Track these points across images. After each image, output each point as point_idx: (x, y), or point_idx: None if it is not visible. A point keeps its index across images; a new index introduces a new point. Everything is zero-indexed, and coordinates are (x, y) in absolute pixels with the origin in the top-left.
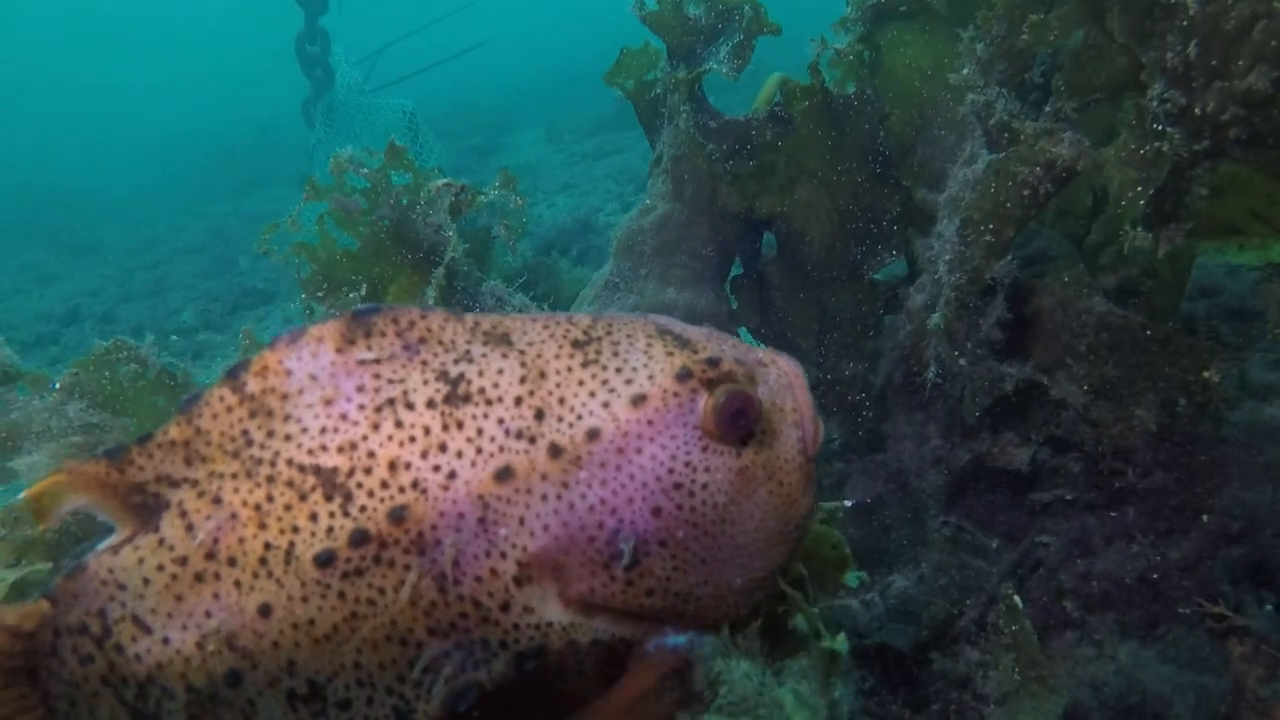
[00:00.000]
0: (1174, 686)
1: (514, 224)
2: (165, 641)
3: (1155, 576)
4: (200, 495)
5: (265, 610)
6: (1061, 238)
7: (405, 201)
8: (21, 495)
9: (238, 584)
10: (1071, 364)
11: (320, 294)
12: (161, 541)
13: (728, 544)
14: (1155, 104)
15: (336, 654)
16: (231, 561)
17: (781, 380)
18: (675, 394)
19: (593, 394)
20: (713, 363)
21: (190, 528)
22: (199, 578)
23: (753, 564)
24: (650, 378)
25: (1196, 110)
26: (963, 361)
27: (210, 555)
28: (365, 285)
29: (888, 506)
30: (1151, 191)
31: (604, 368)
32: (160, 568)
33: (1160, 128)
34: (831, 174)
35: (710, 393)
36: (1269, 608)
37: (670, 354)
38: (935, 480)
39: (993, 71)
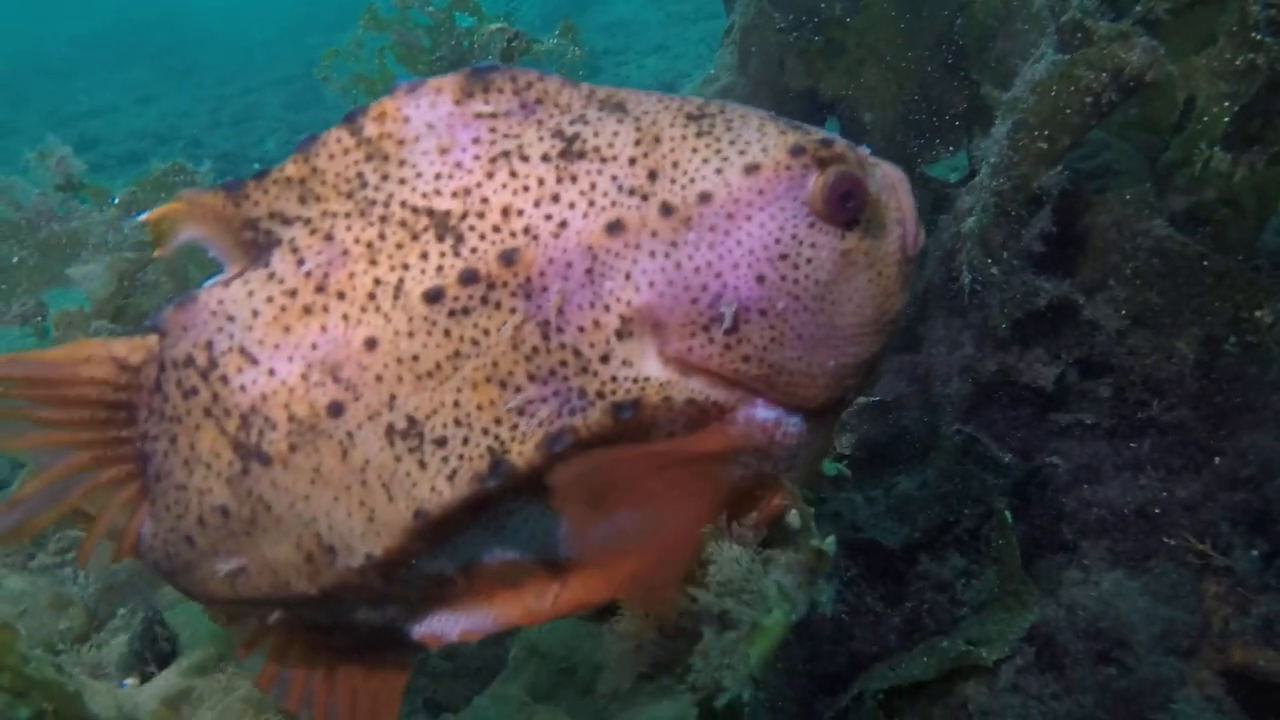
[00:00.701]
0: (1145, 616)
1: (570, 75)
2: (271, 373)
3: (1156, 511)
4: (313, 233)
5: (371, 343)
6: (1134, 151)
7: (465, 44)
8: (142, 218)
9: (345, 317)
10: (1114, 286)
11: None
12: (272, 275)
13: (824, 323)
14: (1259, 7)
15: (437, 391)
16: (340, 295)
17: (888, 179)
18: (788, 166)
19: (705, 160)
20: (826, 143)
21: (301, 262)
22: (307, 310)
23: (845, 348)
24: (764, 150)
25: None
26: (995, 270)
27: (320, 289)
28: None
29: (908, 408)
30: (1238, 108)
31: (718, 139)
32: (270, 300)
33: (1260, 36)
34: (901, 59)
35: (821, 171)
36: (1255, 553)
37: (783, 132)
38: (960, 388)
39: None
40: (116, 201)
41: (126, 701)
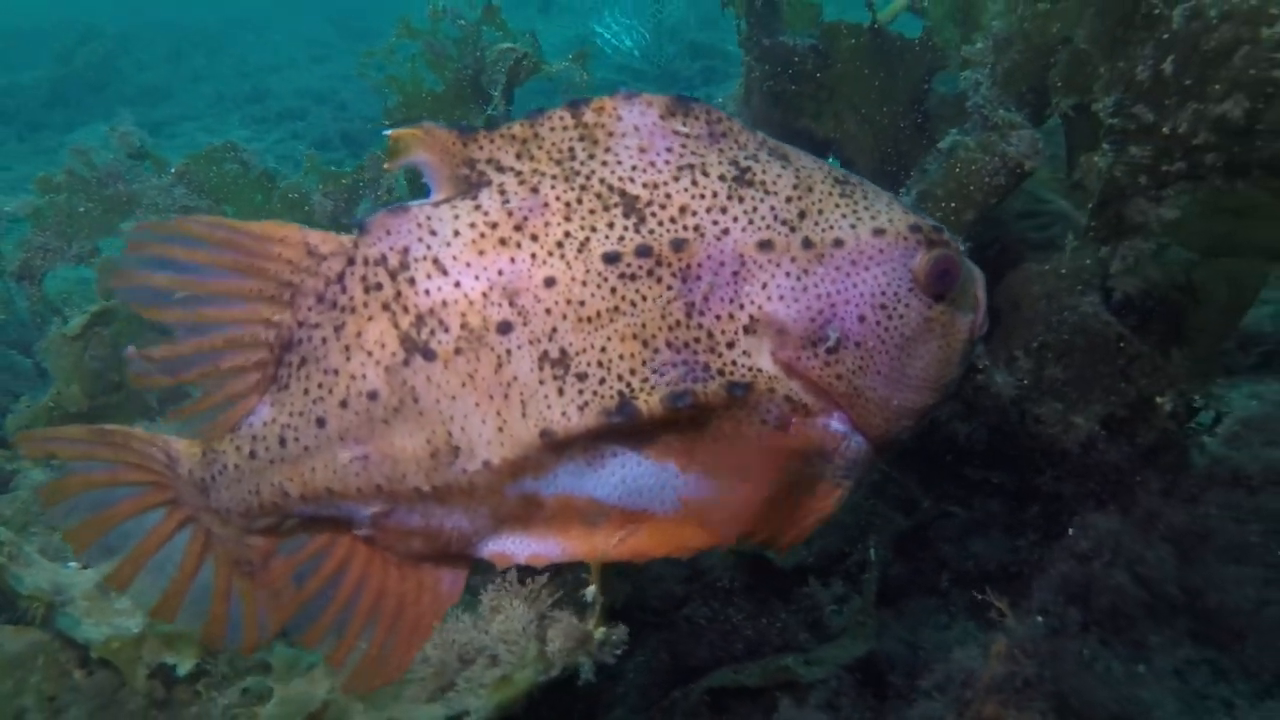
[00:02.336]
0: (941, 659)
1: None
2: (457, 285)
3: (1013, 571)
4: (521, 183)
5: (550, 282)
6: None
7: (489, 58)
8: (387, 133)
9: (533, 256)
10: (1019, 358)
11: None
12: (478, 207)
13: (899, 368)
14: (1106, 116)
15: (592, 335)
16: (534, 238)
17: (974, 274)
18: (905, 237)
19: (844, 215)
20: (937, 229)
21: (506, 203)
22: (503, 242)
23: (908, 394)
24: (890, 220)
25: (1165, 129)
26: None
27: (518, 228)
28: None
29: None
30: (1090, 205)
31: (856, 201)
32: (472, 225)
33: (1104, 143)
34: (876, 114)
35: (929, 250)
36: (1040, 619)
37: (907, 212)
38: None
39: (1008, 52)
40: (173, 171)
41: (65, 579)
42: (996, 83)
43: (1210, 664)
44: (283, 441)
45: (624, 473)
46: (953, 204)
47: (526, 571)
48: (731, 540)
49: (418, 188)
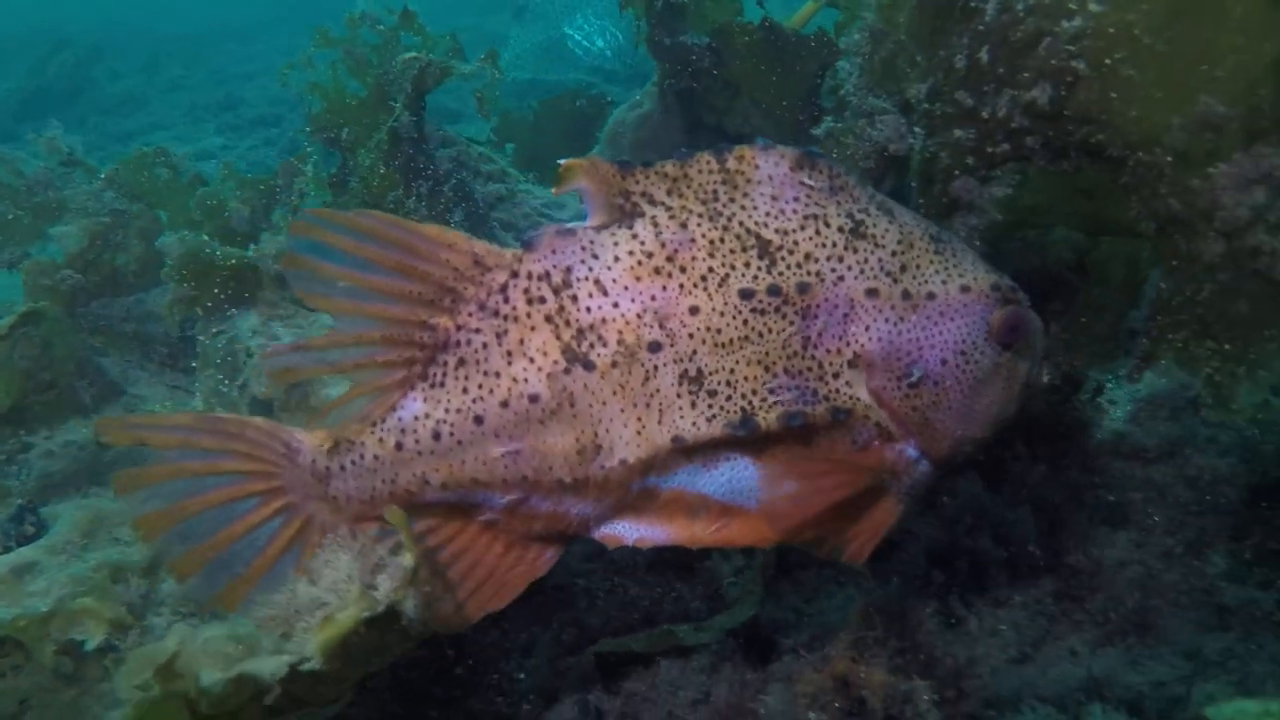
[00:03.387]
0: (819, 622)
1: (488, 95)
2: (615, 305)
3: (896, 540)
4: (672, 218)
5: (694, 310)
6: None
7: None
8: (560, 162)
9: (681, 286)
10: None
11: (330, 134)
12: (635, 236)
13: (966, 405)
14: (914, 101)
15: (724, 359)
16: (682, 270)
17: (1038, 327)
18: (986, 295)
19: (937, 272)
20: (1013, 289)
21: (659, 235)
22: (656, 270)
23: (971, 427)
24: (975, 279)
25: (985, 114)
26: None
27: (670, 259)
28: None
29: None
30: (914, 183)
31: (947, 260)
32: (631, 253)
33: (916, 127)
34: (776, 108)
35: (1004, 306)
36: (895, 580)
37: (989, 272)
38: None
39: (884, 42)
40: (104, 177)
41: None
42: (870, 72)
43: (1068, 617)
44: (436, 436)
45: (731, 475)
46: None
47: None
48: (807, 538)
49: (332, 187)
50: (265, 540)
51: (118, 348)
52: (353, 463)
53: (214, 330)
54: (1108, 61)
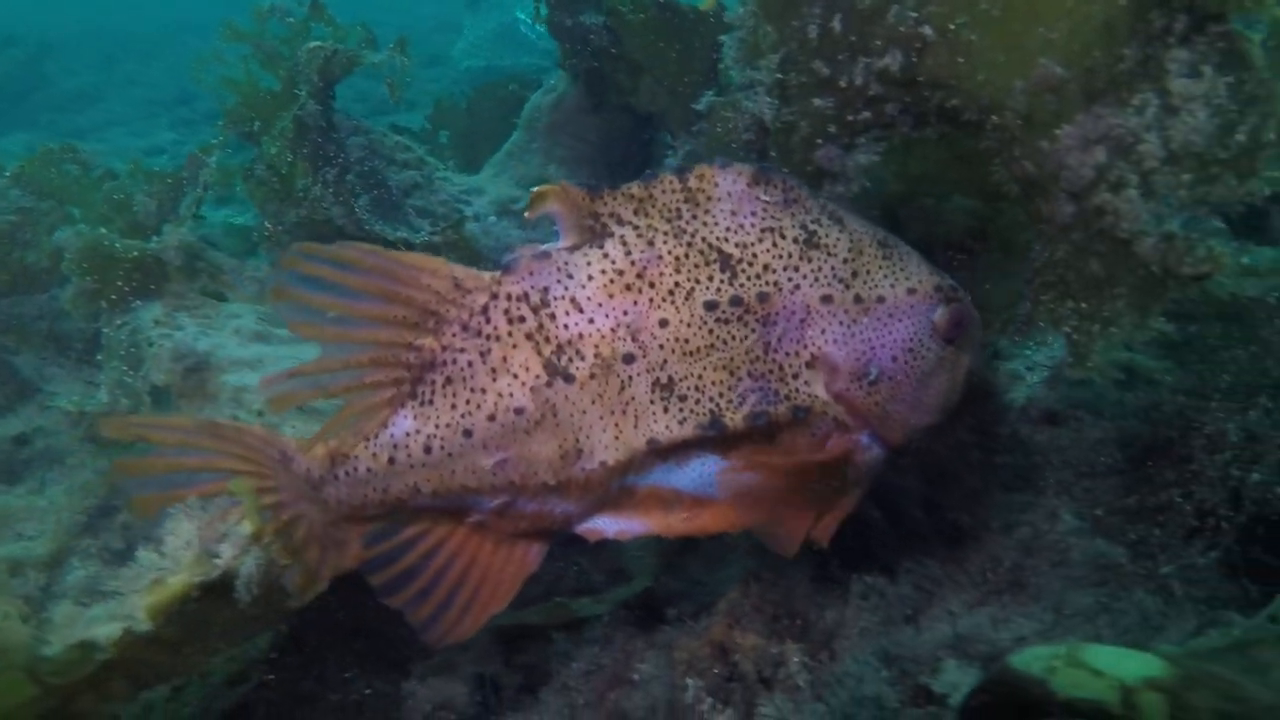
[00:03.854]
0: (710, 592)
1: (398, 82)
2: (590, 320)
3: None
4: (639, 236)
5: (663, 323)
6: None
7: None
8: (532, 190)
9: (650, 300)
10: None
11: (245, 128)
12: (605, 255)
13: (918, 395)
14: (765, 75)
15: (691, 366)
16: (651, 285)
17: (977, 322)
18: (930, 295)
19: (885, 275)
20: (954, 288)
21: (628, 254)
22: (628, 287)
23: (922, 414)
24: (920, 281)
25: (842, 83)
26: None
27: (639, 276)
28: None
29: None
30: (772, 152)
31: (894, 264)
32: (603, 272)
33: (767, 96)
34: (678, 84)
35: (947, 305)
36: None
37: (932, 273)
38: None
39: (772, 11)
40: (8, 174)
41: None
42: (747, 45)
43: (951, 580)
44: (428, 449)
45: (701, 470)
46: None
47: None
48: (772, 523)
49: (245, 180)
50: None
51: (31, 346)
52: (346, 474)
53: (118, 322)
54: (951, 27)
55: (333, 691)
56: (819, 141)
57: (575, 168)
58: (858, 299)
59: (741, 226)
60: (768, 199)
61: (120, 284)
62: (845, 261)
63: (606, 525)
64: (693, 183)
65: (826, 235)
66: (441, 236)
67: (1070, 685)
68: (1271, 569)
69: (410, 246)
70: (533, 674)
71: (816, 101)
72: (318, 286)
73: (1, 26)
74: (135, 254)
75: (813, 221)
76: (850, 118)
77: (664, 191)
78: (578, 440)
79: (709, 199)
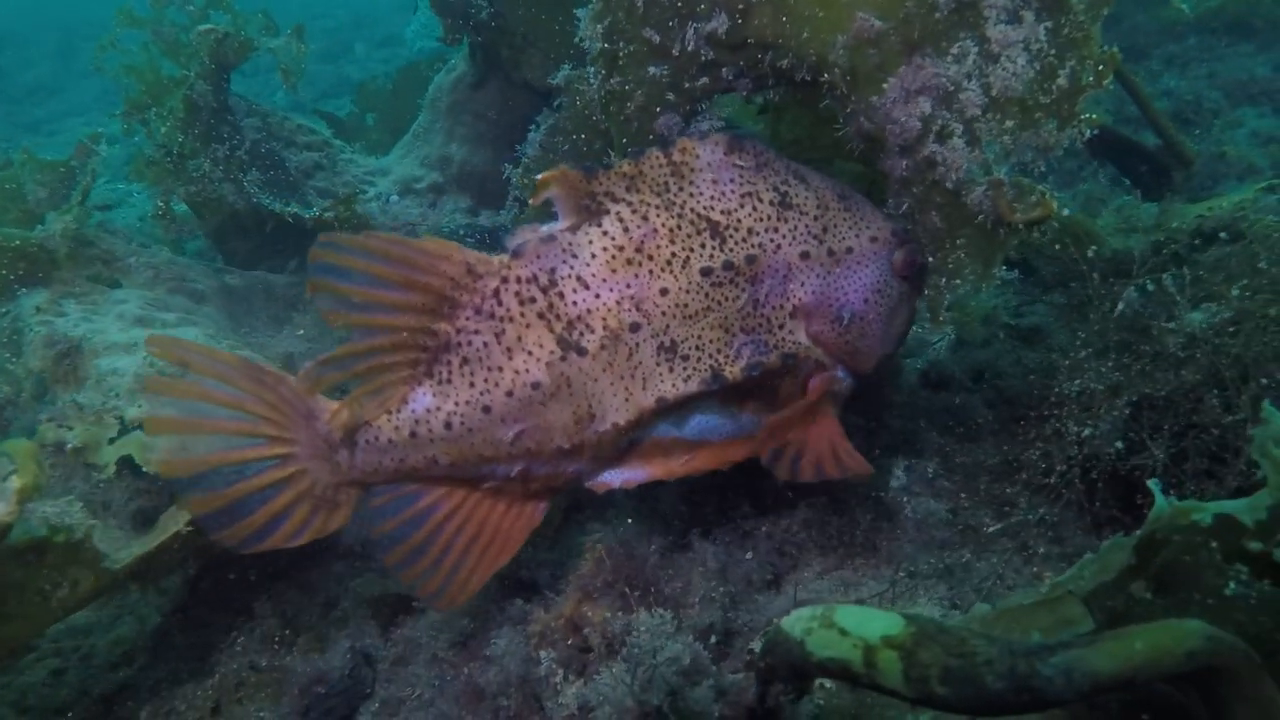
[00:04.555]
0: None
1: (293, 68)
2: (597, 296)
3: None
4: (634, 212)
5: (664, 291)
6: None
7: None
8: (538, 176)
9: (650, 272)
10: None
11: (144, 115)
12: (605, 233)
13: (884, 329)
14: (597, 40)
15: (691, 328)
16: (650, 257)
17: (925, 260)
18: (889, 241)
19: (850, 227)
20: (905, 231)
21: (625, 229)
22: (629, 261)
23: (887, 345)
24: (879, 228)
25: (674, 50)
26: None
27: (638, 249)
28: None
29: None
30: (606, 122)
31: (855, 215)
32: (605, 249)
33: (590, 67)
34: (564, 56)
35: (902, 247)
36: (630, 521)
37: (885, 220)
38: None
39: None
40: None
41: None
42: (598, 18)
43: (814, 544)
44: (448, 425)
45: (702, 419)
46: (581, 135)
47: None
48: (763, 453)
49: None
50: (253, 472)
51: None
52: (366, 441)
53: (1, 311)
54: None
55: (217, 669)
56: (657, 110)
57: (476, 146)
58: (830, 252)
59: (724, 194)
60: (742, 164)
61: (4, 272)
62: (816, 219)
63: (611, 478)
64: (677, 156)
65: (797, 195)
66: (334, 213)
67: (822, 645)
68: (1121, 523)
69: (301, 221)
70: (407, 646)
71: (651, 69)
72: (345, 275)
73: None
74: (17, 243)
75: (782, 183)
76: (687, 84)
77: (652, 167)
78: (590, 406)
79: (692, 170)
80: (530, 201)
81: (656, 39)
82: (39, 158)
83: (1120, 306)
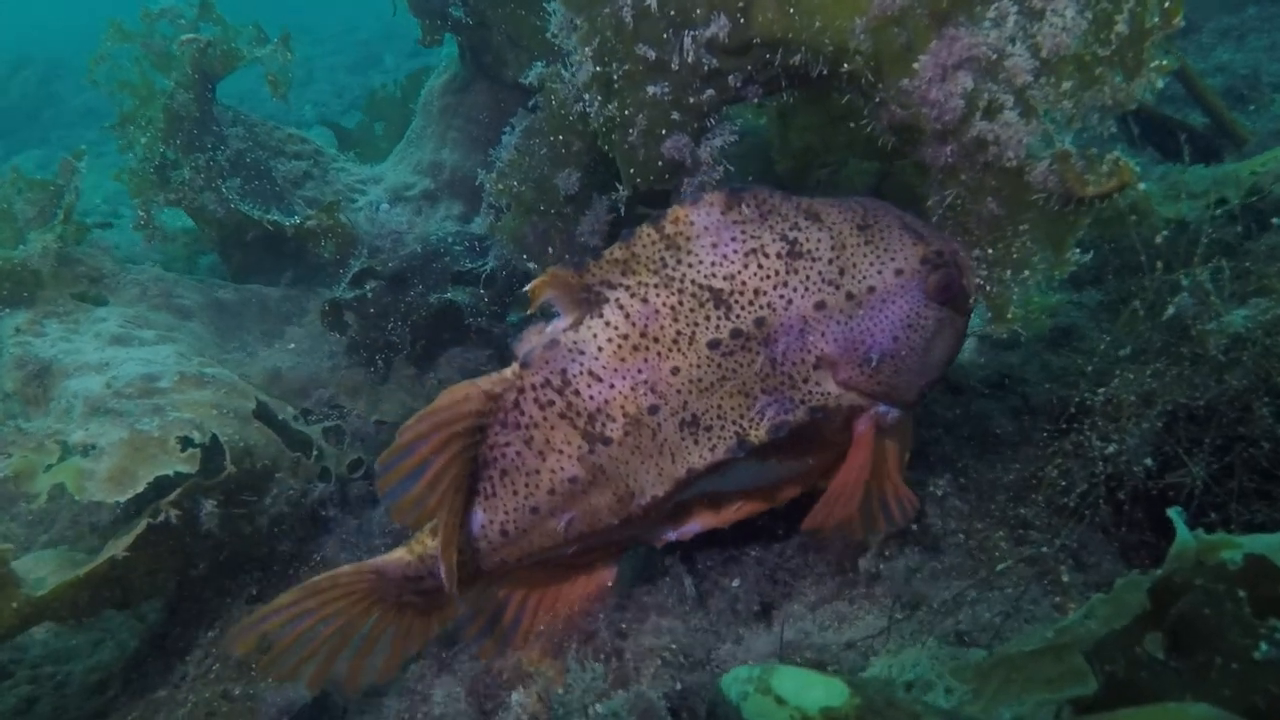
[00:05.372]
0: None
1: (281, 77)
2: (611, 386)
3: None
4: (633, 296)
5: (675, 370)
6: None
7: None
8: (525, 289)
9: (659, 354)
10: None
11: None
12: (608, 324)
13: (923, 360)
14: (583, 72)
15: (709, 399)
16: (655, 340)
17: (969, 270)
18: (917, 270)
19: (871, 263)
20: (940, 253)
21: (627, 316)
22: (635, 348)
23: (929, 375)
24: (905, 259)
25: (674, 65)
26: (533, 266)
27: (642, 334)
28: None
29: None
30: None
31: (877, 248)
32: (610, 340)
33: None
34: (547, 55)
35: (935, 272)
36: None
37: (915, 244)
38: None
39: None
40: None
41: None
42: (585, 40)
43: (812, 570)
44: (504, 533)
45: (740, 473)
46: (558, 136)
47: None
48: (808, 489)
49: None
50: (367, 630)
51: None
52: (439, 569)
53: None
54: None
55: (190, 697)
56: (662, 133)
57: (469, 150)
58: (849, 296)
59: (725, 257)
60: (743, 219)
61: None
62: (830, 262)
63: (669, 534)
64: (669, 229)
65: (807, 239)
66: (316, 221)
67: (756, 713)
68: (1155, 549)
69: (282, 229)
70: None
71: (650, 89)
72: (409, 481)
73: (15, 49)
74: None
75: (791, 229)
76: (691, 100)
77: (645, 245)
78: (628, 485)
79: (688, 239)
80: (527, 311)
81: (652, 55)
82: (27, 177)
83: (1170, 310)
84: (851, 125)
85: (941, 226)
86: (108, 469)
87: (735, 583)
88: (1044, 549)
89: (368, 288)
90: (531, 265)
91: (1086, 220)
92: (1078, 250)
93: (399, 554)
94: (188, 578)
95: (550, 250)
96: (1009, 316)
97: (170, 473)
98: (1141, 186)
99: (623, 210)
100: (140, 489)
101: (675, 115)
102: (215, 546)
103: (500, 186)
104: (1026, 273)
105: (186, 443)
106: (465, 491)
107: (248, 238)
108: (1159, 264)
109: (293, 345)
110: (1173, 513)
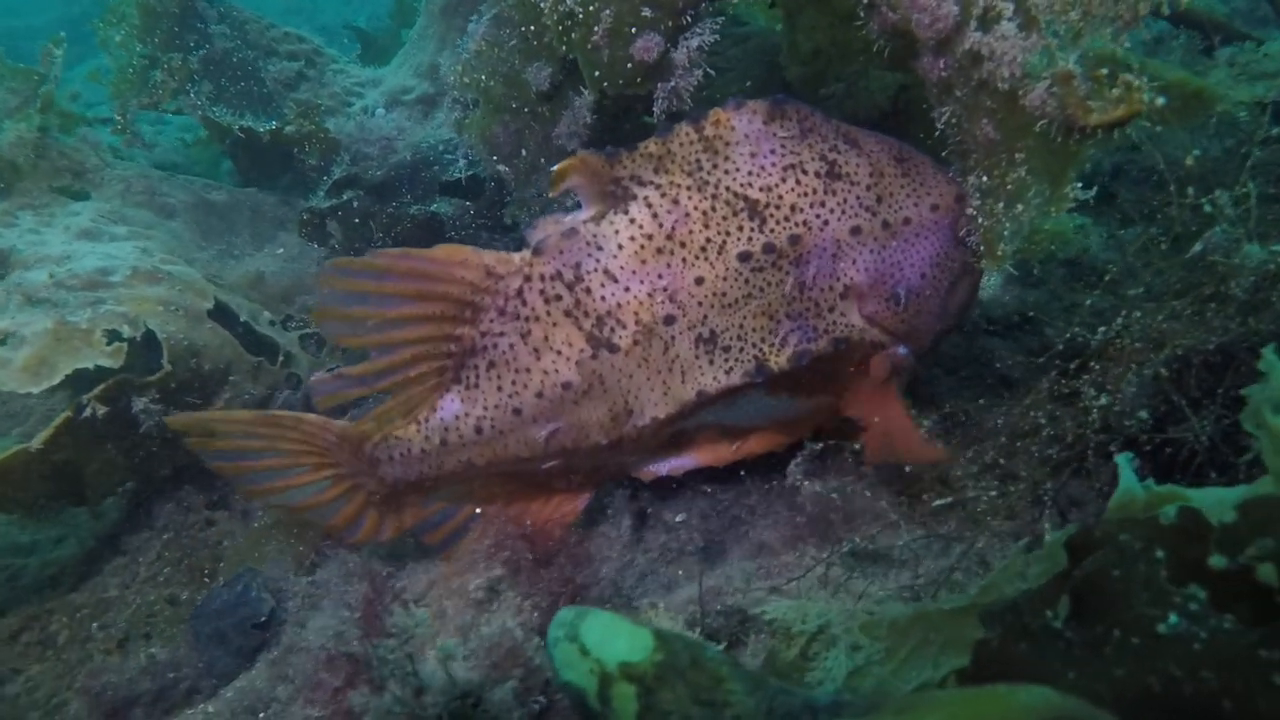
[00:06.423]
0: None
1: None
2: (627, 289)
3: None
4: (663, 196)
5: (699, 280)
6: None
7: None
8: (552, 169)
9: (684, 260)
10: None
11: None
12: (632, 221)
13: (943, 304)
14: None
15: (732, 317)
16: (682, 244)
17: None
18: (952, 208)
19: (908, 195)
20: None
21: (655, 216)
22: (659, 250)
23: (946, 320)
24: (941, 195)
25: None
26: (503, 168)
27: (668, 237)
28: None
29: None
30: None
31: (914, 181)
32: (632, 239)
33: None
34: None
35: (963, 213)
36: None
37: (949, 183)
38: None
39: None
40: None
41: None
42: None
43: (768, 513)
44: (479, 430)
45: (749, 405)
46: (530, 26)
47: None
48: (808, 435)
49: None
50: (314, 490)
51: None
52: (400, 454)
53: None
54: None
55: (137, 598)
56: (631, 31)
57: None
58: (885, 224)
59: (763, 169)
60: (785, 134)
61: None
62: (869, 188)
63: (659, 467)
64: (709, 130)
65: (847, 163)
66: (295, 127)
67: (563, 662)
68: None
69: (254, 135)
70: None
71: None
72: (357, 299)
73: None
74: None
75: (831, 150)
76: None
77: (682, 145)
78: (627, 402)
79: (727, 144)
80: (550, 194)
81: None
82: (9, 63)
83: (1197, 247)
84: (858, 27)
85: (943, 148)
86: (24, 358)
87: (679, 518)
88: (1024, 500)
89: (346, 196)
90: (502, 168)
91: (1089, 152)
92: (1079, 185)
93: (366, 425)
94: (150, 479)
95: (524, 152)
96: (999, 253)
97: (90, 365)
98: (1160, 101)
99: (589, 116)
100: (56, 380)
101: (646, 11)
102: (170, 447)
103: (466, 80)
104: (1019, 207)
105: (114, 336)
106: (441, 371)
107: (225, 144)
108: (1189, 189)
109: (281, 250)
110: (1121, 459)
